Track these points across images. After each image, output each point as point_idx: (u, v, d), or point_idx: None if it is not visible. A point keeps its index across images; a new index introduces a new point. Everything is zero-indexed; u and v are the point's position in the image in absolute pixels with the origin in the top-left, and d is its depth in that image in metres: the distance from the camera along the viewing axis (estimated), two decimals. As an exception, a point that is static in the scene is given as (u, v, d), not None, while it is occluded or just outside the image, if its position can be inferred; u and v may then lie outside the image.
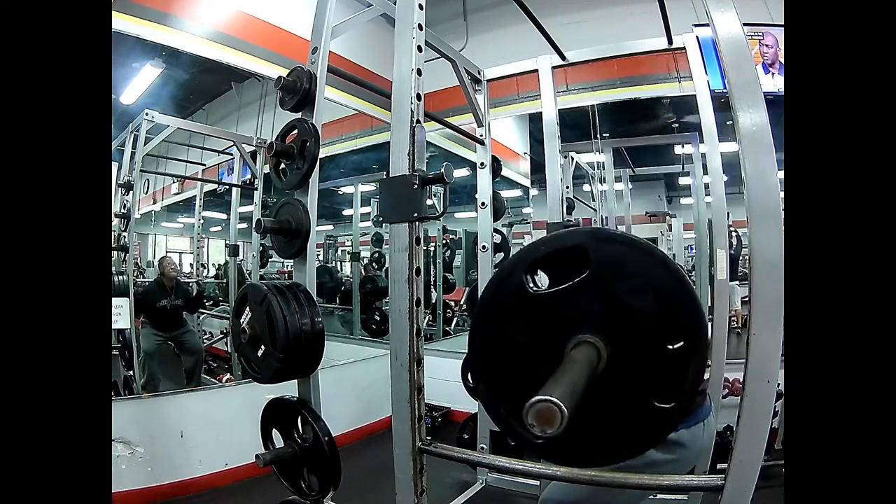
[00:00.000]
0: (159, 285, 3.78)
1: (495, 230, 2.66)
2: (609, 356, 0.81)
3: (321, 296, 5.62)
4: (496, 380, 0.94)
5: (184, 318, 4.00)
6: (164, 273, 3.81)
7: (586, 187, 4.49)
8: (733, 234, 4.55)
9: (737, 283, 4.65)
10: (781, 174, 0.84)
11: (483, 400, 0.97)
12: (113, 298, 2.84)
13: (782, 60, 3.29)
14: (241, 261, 4.66)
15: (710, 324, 2.94)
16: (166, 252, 4.29)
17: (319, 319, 1.32)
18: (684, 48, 2.22)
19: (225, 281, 4.56)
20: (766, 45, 3.29)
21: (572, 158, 3.96)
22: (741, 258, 4.64)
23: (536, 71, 2.45)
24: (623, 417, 0.84)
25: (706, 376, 0.83)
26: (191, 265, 4.81)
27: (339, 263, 6.77)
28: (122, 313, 2.94)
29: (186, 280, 4.48)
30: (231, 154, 4.55)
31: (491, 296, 0.93)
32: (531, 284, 0.88)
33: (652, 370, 0.82)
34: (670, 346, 0.80)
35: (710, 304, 3.32)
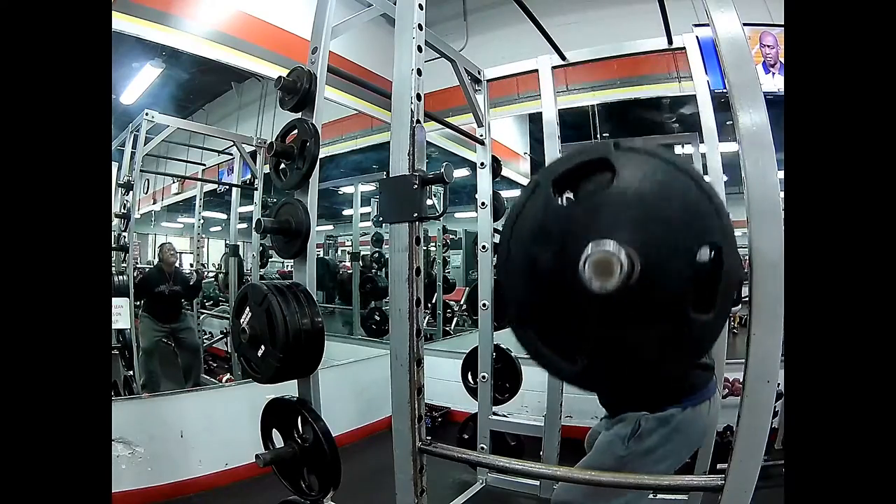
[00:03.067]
0: (158, 271, 3.79)
1: (495, 230, 2.67)
2: (642, 265, 0.78)
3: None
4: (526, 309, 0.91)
5: (183, 311, 4.00)
6: (163, 259, 3.82)
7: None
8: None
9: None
10: (781, 174, 0.84)
11: (518, 331, 0.93)
12: (113, 298, 2.84)
13: (782, 60, 3.29)
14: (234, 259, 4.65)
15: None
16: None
17: (319, 319, 1.32)
18: (684, 48, 2.22)
19: (225, 272, 4.57)
20: (767, 46, 3.29)
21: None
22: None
23: (536, 71, 2.45)
24: (660, 332, 0.81)
25: (743, 293, 0.83)
26: (190, 265, 4.81)
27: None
28: (122, 313, 2.94)
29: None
30: (231, 154, 4.55)
31: (517, 214, 0.90)
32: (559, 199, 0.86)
33: (684, 278, 0.78)
34: (700, 253, 0.78)
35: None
